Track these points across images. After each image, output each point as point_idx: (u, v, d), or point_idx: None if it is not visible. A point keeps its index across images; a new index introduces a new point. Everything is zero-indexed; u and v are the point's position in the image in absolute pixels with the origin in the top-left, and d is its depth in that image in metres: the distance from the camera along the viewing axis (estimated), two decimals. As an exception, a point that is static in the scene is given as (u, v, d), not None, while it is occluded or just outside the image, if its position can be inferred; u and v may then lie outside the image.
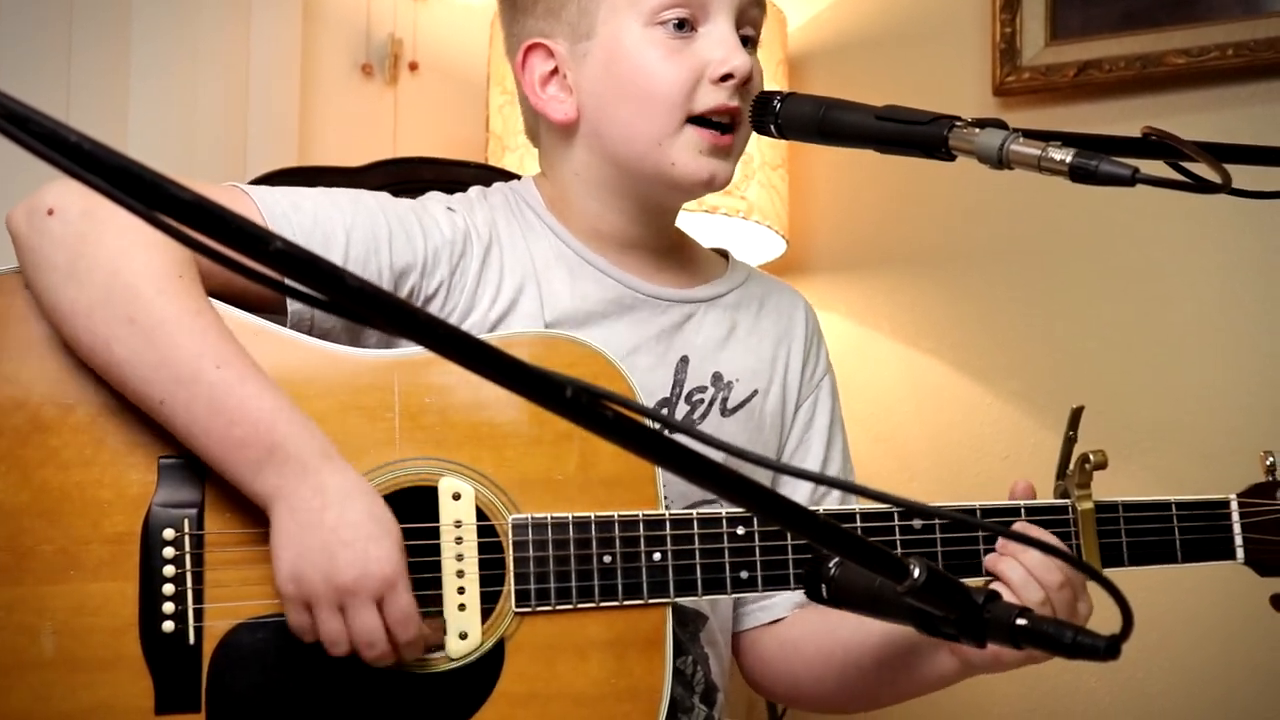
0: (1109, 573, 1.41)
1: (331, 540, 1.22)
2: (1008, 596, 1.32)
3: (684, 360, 1.54)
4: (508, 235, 1.51)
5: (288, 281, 0.69)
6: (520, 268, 1.49)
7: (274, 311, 1.37)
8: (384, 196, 1.46)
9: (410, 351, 1.36)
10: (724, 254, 1.68)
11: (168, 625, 1.28)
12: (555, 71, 1.51)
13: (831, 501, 1.59)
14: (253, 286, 1.29)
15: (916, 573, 0.95)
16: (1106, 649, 0.92)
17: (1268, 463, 1.49)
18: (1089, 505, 1.44)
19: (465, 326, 1.44)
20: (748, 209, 2.50)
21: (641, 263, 1.56)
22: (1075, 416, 1.45)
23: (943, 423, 2.68)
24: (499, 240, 1.50)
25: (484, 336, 1.40)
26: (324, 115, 2.69)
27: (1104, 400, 2.49)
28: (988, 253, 2.67)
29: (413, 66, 2.82)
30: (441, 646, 1.32)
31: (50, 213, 1.28)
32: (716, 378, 1.55)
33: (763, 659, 1.60)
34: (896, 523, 1.41)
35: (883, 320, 2.74)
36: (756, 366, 1.59)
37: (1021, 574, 1.35)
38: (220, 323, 1.29)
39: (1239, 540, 1.48)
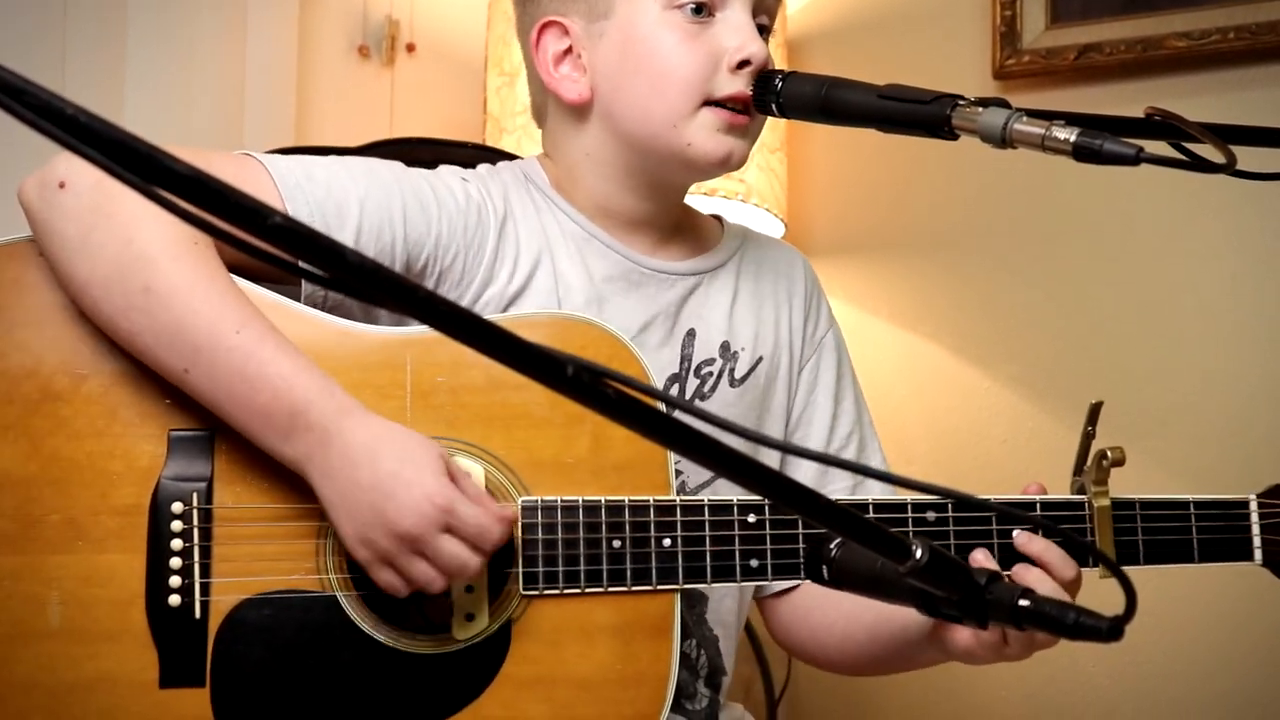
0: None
1: (375, 498, 1.23)
2: (1033, 576, 1.33)
3: (691, 334, 1.54)
4: (521, 209, 1.51)
5: (291, 258, 0.69)
6: (535, 242, 1.49)
7: (289, 284, 1.36)
8: (398, 166, 1.46)
9: (423, 330, 1.35)
10: (719, 219, 1.67)
11: (174, 599, 1.28)
12: (569, 50, 1.50)
13: (841, 474, 1.58)
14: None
15: (919, 553, 0.95)
16: (1109, 631, 0.92)
17: (1287, 463, 1.48)
18: (1105, 502, 1.43)
19: (485, 298, 1.45)
20: (746, 192, 2.49)
21: (648, 238, 1.56)
22: (1094, 412, 1.44)
23: (941, 407, 2.67)
24: (513, 214, 1.50)
25: (499, 316, 1.41)
26: (321, 97, 2.68)
27: (1104, 385, 2.48)
28: (986, 237, 2.67)
29: (410, 48, 2.81)
30: (448, 627, 1.31)
31: (62, 185, 1.28)
32: (724, 348, 1.55)
33: (782, 624, 1.62)
34: (910, 515, 1.40)
35: (881, 304, 2.74)
36: (760, 330, 1.59)
37: (1060, 554, 1.36)
38: (235, 287, 1.29)
39: (1258, 541, 1.47)
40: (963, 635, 1.33)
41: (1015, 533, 1.39)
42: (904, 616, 1.41)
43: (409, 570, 1.24)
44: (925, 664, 1.47)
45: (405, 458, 1.24)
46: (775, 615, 1.63)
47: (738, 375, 1.55)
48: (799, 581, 1.58)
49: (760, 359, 1.57)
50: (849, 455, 1.60)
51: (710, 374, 1.54)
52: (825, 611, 1.55)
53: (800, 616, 1.59)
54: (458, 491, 1.25)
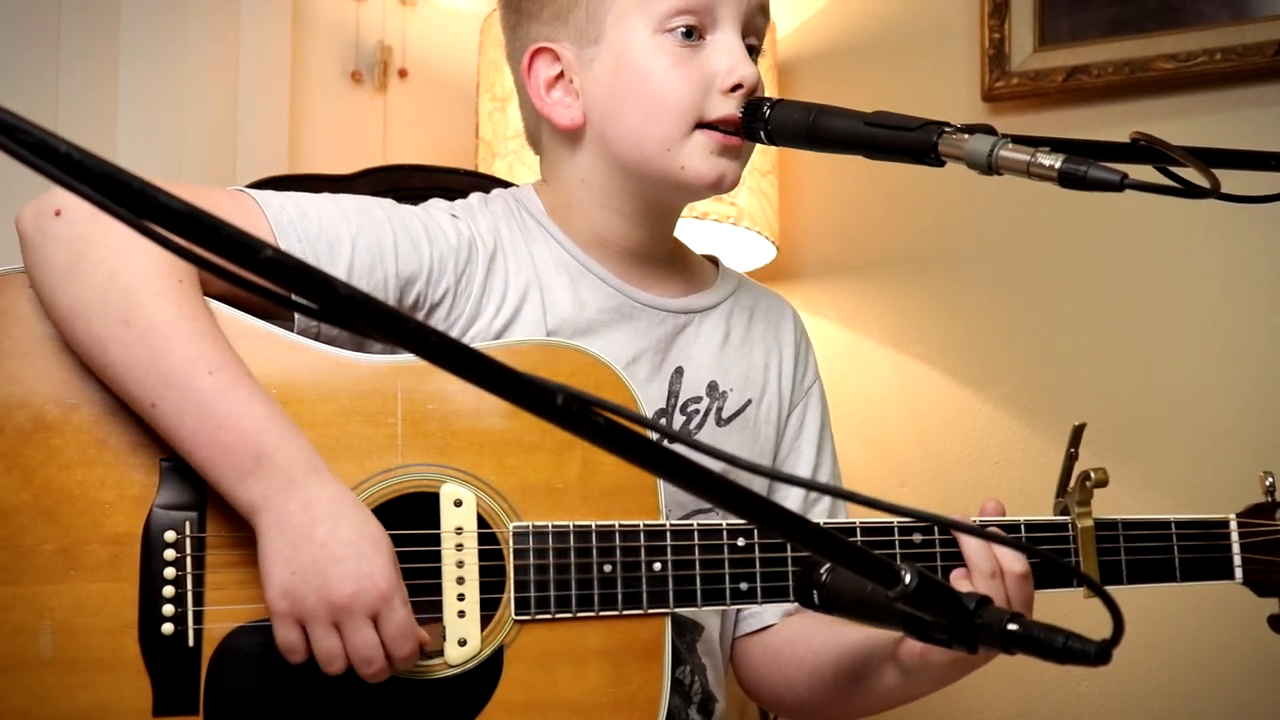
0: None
1: (323, 556, 1.22)
2: (962, 582, 1.35)
3: (679, 371, 1.54)
4: (510, 242, 1.51)
5: (284, 292, 0.69)
6: (524, 274, 1.49)
7: (280, 317, 1.37)
8: (389, 203, 1.46)
9: (413, 358, 1.36)
10: (714, 260, 1.68)
11: (167, 627, 1.28)
12: (561, 76, 1.51)
13: (821, 508, 1.59)
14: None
15: (908, 578, 0.95)
16: (1097, 655, 0.92)
17: (1267, 483, 1.49)
18: (1089, 523, 1.44)
19: (471, 333, 1.45)
20: (738, 215, 2.51)
21: (642, 271, 1.56)
22: (1077, 434, 1.45)
23: (932, 427, 2.68)
24: (503, 247, 1.50)
25: (487, 344, 1.41)
26: (313, 122, 2.69)
27: (1095, 405, 2.50)
28: (977, 258, 2.68)
29: (402, 73, 2.82)
30: (441, 653, 1.31)
31: (57, 213, 1.28)
32: (712, 387, 1.56)
33: (750, 665, 1.61)
34: (897, 536, 1.42)
35: (873, 325, 2.75)
36: (749, 375, 1.59)
37: (983, 551, 1.37)
38: (216, 329, 1.29)
39: (1238, 560, 1.48)
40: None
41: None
42: (866, 644, 1.43)
43: (319, 639, 1.23)
44: (880, 696, 1.45)
45: (365, 532, 1.24)
46: (747, 658, 1.61)
47: (724, 415, 1.56)
48: (775, 622, 1.58)
49: (749, 401, 1.58)
50: (821, 508, 1.59)
51: (696, 411, 1.54)
52: (795, 649, 1.54)
53: (771, 656, 1.57)
54: (403, 592, 1.24)
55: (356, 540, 1.23)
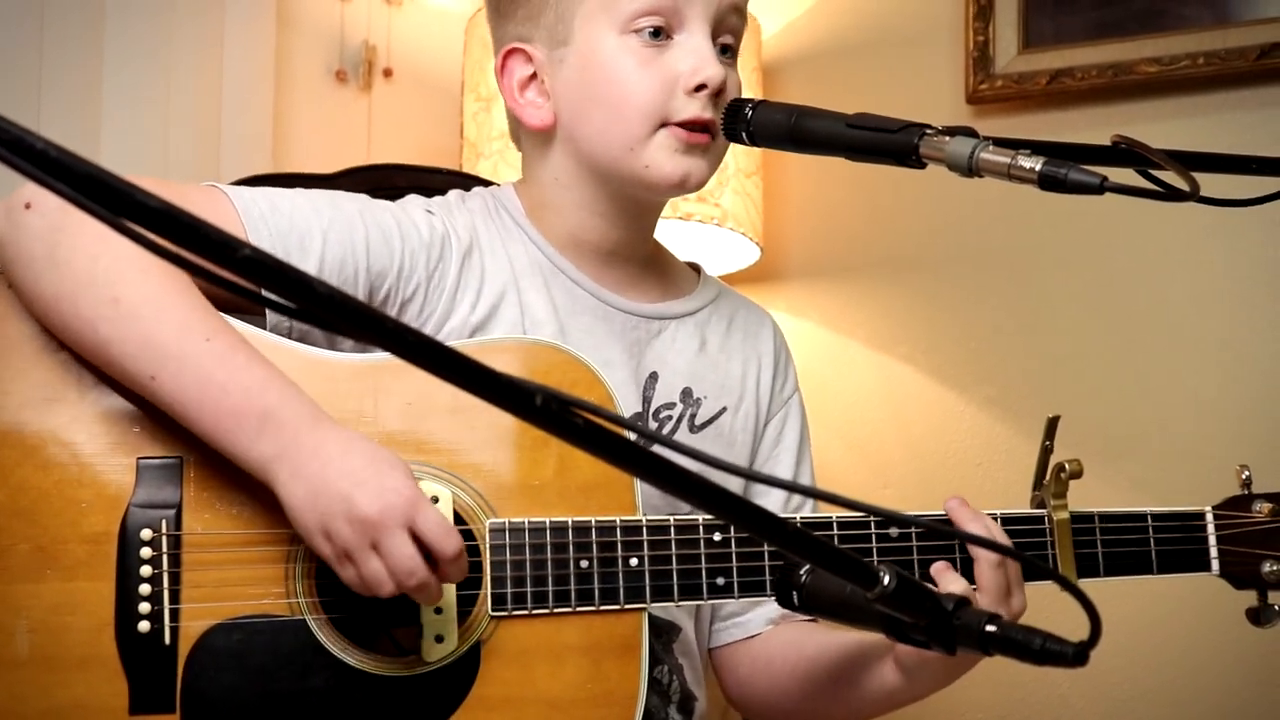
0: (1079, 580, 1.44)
1: (345, 486, 1.22)
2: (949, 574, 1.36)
3: (653, 376, 1.54)
4: (488, 241, 1.51)
5: (258, 289, 0.69)
6: (501, 274, 1.49)
7: (253, 314, 1.37)
8: (363, 199, 1.46)
9: (389, 356, 1.36)
10: (696, 268, 1.67)
11: (144, 625, 1.28)
12: (534, 76, 1.51)
13: (805, 510, 1.59)
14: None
15: (886, 580, 0.96)
16: (1074, 656, 0.93)
17: (1244, 476, 1.50)
18: (1064, 515, 1.44)
19: (445, 330, 1.45)
20: (722, 216, 2.51)
21: (619, 274, 1.56)
22: (1051, 426, 1.46)
23: (917, 429, 2.68)
24: (479, 245, 1.50)
25: (464, 343, 1.41)
26: (298, 122, 2.68)
27: (1077, 406, 2.50)
28: (962, 259, 2.68)
29: (387, 73, 2.82)
30: (418, 650, 1.31)
31: (28, 206, 1.28)
32: (686, 394, 1.55)
33: (739, 675, 1.60)
34: (873, 530, 1.42)
35: (857, 327, 2.75)
36: (726, 383, 1.59)
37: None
38: (204, 300, 1.29)
39: (1214, 553, 1.48)
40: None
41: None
42: (861, 647, 1.43)
43: (363, 564, 1.22)
44: (880, 698, 1.45)
45: (378, 458, 1.25)
46: (734, 668, 1.60)
47: (698, 421, 1.56)
48: (760, 631, 1.58)
49: (724, 409, 1.57)
50: (803, 513, 1.58)
51: (669, 418, 1.54)
52: (788, 656, 1.54)
53: (762, 666, 1.57)
54: (426, 499, 1.25)
55: (372, 464, 1.23)
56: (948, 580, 1.36)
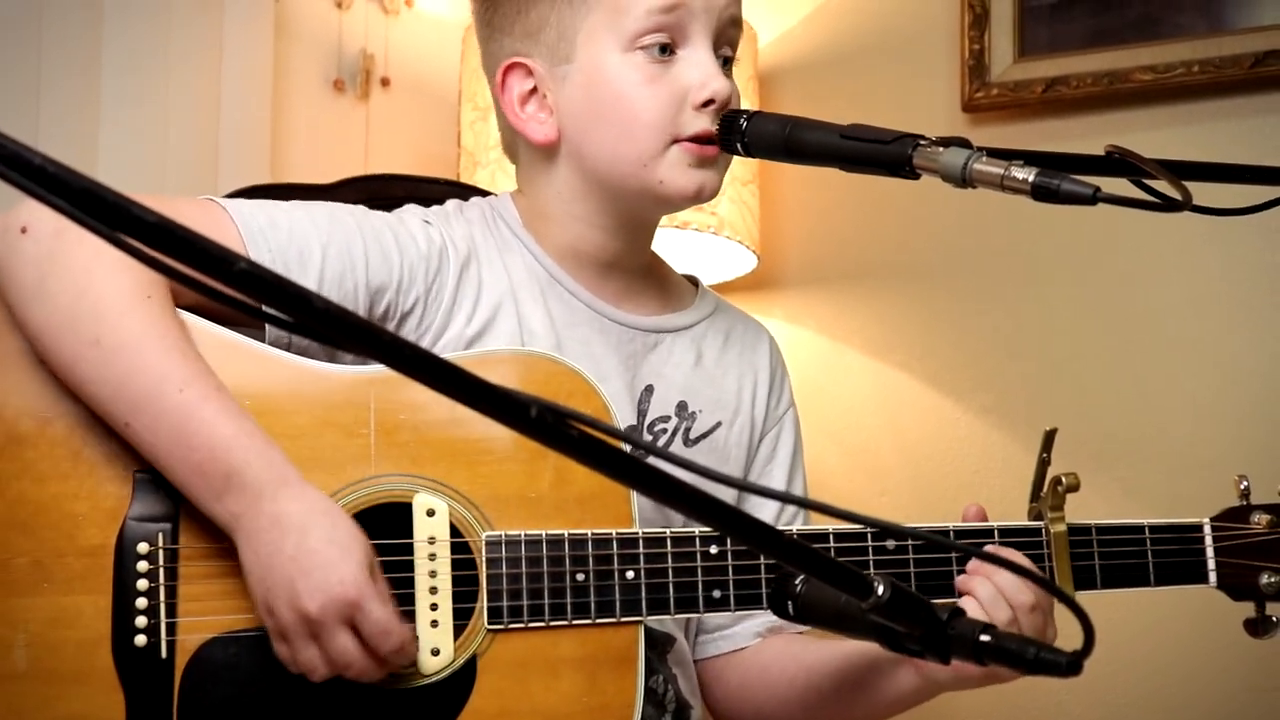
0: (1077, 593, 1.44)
1: (292, 570, 1.22)
2: (975, 614, 1.33)
3: (649, 389, 1.54)
4: (486, 252, 1.51)
5: (256, 304, 0.69)
6: (499, 285, 1.49)
7: (252, 326, 1.37)
8: (360, 211, 1.46)
9: (386, 368, 1.36)
10: (694, 281, 1.68)
11: (140, 639, 1.28)
12: (535, 91, 1.51)
13: (797, 525, 1.58)
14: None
15: (881, 590, 0.96)
16: (1068, 666, 0.93)
17: (1242, 486, 1.50)
18: (1062, 528, 1.45)
19: (442, 342, 1.45)
20: (719, 224, 2.51)
21: (617, 286, 1.56)
22: (1049, 439, 1.46)
23: (913, 437, 2.68)
24: (477, 255, 1.50)
25: (461, 355, 1.41)
26: (296, 131, 2.68)
27: (1074, 413, 2.50)
28: (958, 267, 2.69)
29: (384, 82, 2.82)
30: (414, 663, 1.31)
31: (24, 230, 1.28)
32: (681, 407, 1.55)
33: (727, 689, 1.60)
34: (870, 543, 1.42)
35: (853, 335, 2.75)
36: (721, 398, 1.59)
37: (991, 592, 1.36)
38: (187, 343, 1.29)
39: (1211, 564, 1.48)
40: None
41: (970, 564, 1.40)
42: (869, 652, 1.42)
43: (299, 651, 1.23)
44: (893, 701, 1.45)
45: (334, 539, 1.24)
46: (723, 681, 1.59)
47: (692, 435, 1.56)
48: (748, 644, 1.58)
49: (719, 424, 1.58)
50: (796, 525, 1.58)
51: (664, 430, 1.54)
52: (785, 667, 1.54)
53: (755, 677, 1.56)
54: (374, 589, 1.24)
55: (324, 549, 1.23)
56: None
